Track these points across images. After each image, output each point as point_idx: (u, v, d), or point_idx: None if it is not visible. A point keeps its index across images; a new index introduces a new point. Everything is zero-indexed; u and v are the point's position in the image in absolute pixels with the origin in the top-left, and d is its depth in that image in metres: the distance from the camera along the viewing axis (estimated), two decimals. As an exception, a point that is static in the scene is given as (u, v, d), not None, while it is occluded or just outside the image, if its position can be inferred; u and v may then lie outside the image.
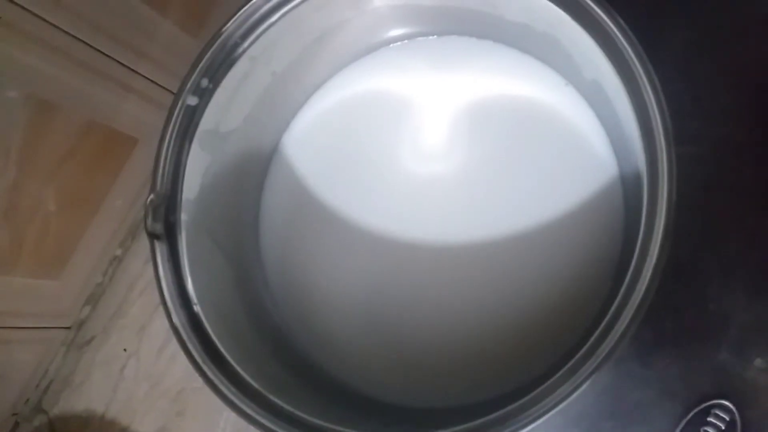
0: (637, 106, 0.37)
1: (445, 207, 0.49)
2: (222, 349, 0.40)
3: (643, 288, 0.35)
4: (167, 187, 0.44)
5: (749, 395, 0.45)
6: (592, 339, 0.36)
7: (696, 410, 0.46)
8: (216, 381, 0.39)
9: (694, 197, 0.47)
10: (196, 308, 0.41)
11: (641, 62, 0.37)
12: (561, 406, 0.35)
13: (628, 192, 0.45)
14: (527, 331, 0.45)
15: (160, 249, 0.42)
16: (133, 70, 0.59)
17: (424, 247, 0.49)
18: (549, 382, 0.36)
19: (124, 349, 0.63)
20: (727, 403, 0.45)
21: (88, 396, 0.63)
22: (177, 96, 0.44)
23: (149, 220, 0.42)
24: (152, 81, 0.61)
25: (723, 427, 0.45)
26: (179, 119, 0.44)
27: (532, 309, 0.46)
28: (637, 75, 0.37)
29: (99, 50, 0.54)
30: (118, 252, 0.66)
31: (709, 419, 0.45)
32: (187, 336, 0.40)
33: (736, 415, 0.45)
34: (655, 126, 0.37)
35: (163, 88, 0.62)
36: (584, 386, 0.35)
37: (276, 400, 0.39)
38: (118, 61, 0.57)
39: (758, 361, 0.46)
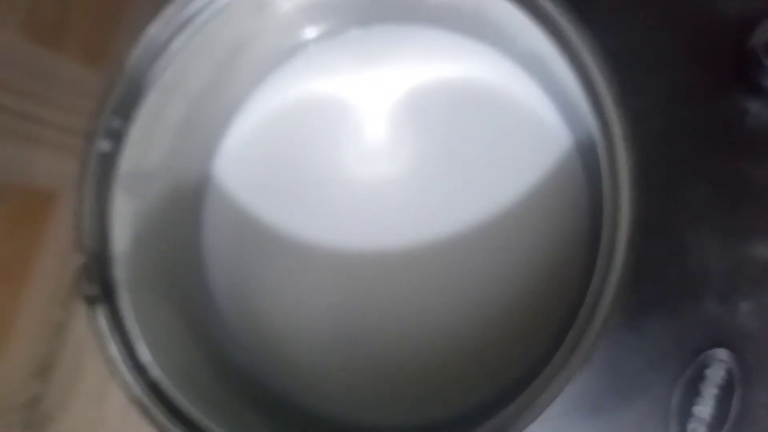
0: (579, 71, 0.37)
1: (401, 208, 0.47)
2: (189, 410, 0.38)
3: (620, 259, 0.35)
4: (96, 244, 0.41)
5: (741, 339, 0.45)
6: (579, 320, 0.35)
7: (693, 365, 0.45)
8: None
9: (652, 149, 0.47)
10: (152, 370, 0.39)
11: (575, 26, 0.37)
12: (562, 392, 0.34)
13: (585, 158, 0.44)
14: (509, 323, 0.44)
15: (100, 313, 0.39)
16: (38, 118, 0.55)
17: (383, 254, 0.47)
18: (544, 373, 0.35)
19: (88, 418, 0.60)
20: (722, 350, 0.45)
21: (60, 477, 0.59)
22: (87, 144, 0.41)
23: (83, 284, 0.40)
24: (62, 126, 0.57)
25: (722, 376, 0.45)
26: (95, 168, 0.41)
27: (511, 298, 0.44)
28: (573, 40, 0.37)
29: (-6, 105, 0.51)
30: (61, 316, 0.62)
31: (707, 371, 0.45)
32: (149, 403, 0.37)
33: (733, 361, 0.45)
34: (599, 88, 0.36)
35: (76, 131, 0.59)
36: (582, 369, 0.34)
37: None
38: (20, 112, 0.53)
39: (744, 305, 0.45)
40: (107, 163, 0.41)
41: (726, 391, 0.44)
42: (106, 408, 0.59)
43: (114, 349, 0.39)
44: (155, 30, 0.41)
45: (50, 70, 0.55)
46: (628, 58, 0.48)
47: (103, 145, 0.41)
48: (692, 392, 0.45)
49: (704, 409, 0.44)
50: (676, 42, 0.49)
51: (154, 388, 0.38)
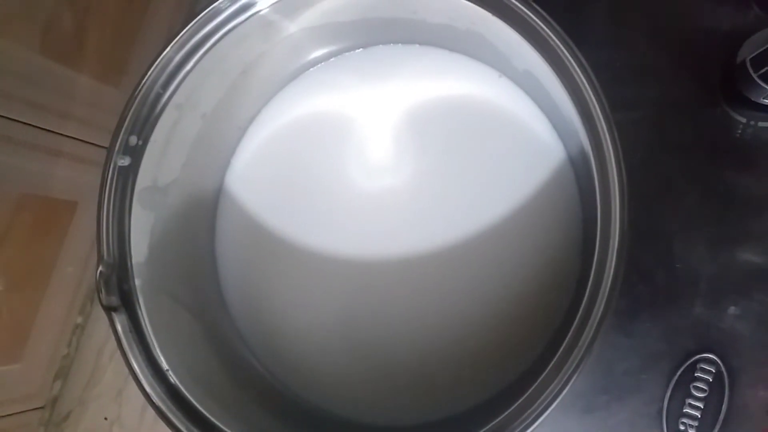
0: (571, 89, 0.37)
1: (403, 218, 0.49)
2: (206, 413, 0.39)
3: (612, 267, 0.35)
4: (115, 255, 0.42)
5: (730, 343, 0.46)
6: (574, 326, 0.36)
7: (682, 368, 0.46)
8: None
9: (643, 160, 0.47)
10: (171, 376, 0.40)
11: (566, 46, 0.37)
12: (558, 399, 0.35)
13: (578, 172, 0.45)
14: (505, 329, 0.45)
15: (120, 321, 0.40)
16: (58, 133, 0.56)
17: (387, 262, 0.48)
18: (541, 378, 0.36)
19: (105, 418, 0.61)
20: (710, 355, 0.46)
21: (77, 474, 0.60)
22: (107, 159, 0.42)
23: (102, 294, 0.40)
24: (81, 140, 0.58)
25: (711, 379, 0.46)
26: (114, 183, 0.42)
27: (507, 306, 0.45)
28: (565, 59, 0.37)
29: (17, 120, 0.52)
30: (79, 320, 0.64)
31: (696, 374, 0.46)
32: (168, 408, 0.39)
33: (721, 364, 0.46)
34: (591, 107, 0.37)
35: (94, 144, 0.60)
36: (579, 372, 0.35)
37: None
38: (40, 127, 0.54)
39: (732, 309, 0.46)
40: (126, 178, 0.43)
41: (716, 392, 0.45)
42: (122, 409, 0.61)
43: (134, 355, 0.40)
44: (171, 51, 0.43)
45: (68, 85, 0.56)
46: (619, 72, 0.49)
47: (122, 160, 0.43)
48: (683, 393, 0.46)
49: (695, 409, 0.45)
50: (665, 56, 0.50)
51: (172, 393, 0.40)
